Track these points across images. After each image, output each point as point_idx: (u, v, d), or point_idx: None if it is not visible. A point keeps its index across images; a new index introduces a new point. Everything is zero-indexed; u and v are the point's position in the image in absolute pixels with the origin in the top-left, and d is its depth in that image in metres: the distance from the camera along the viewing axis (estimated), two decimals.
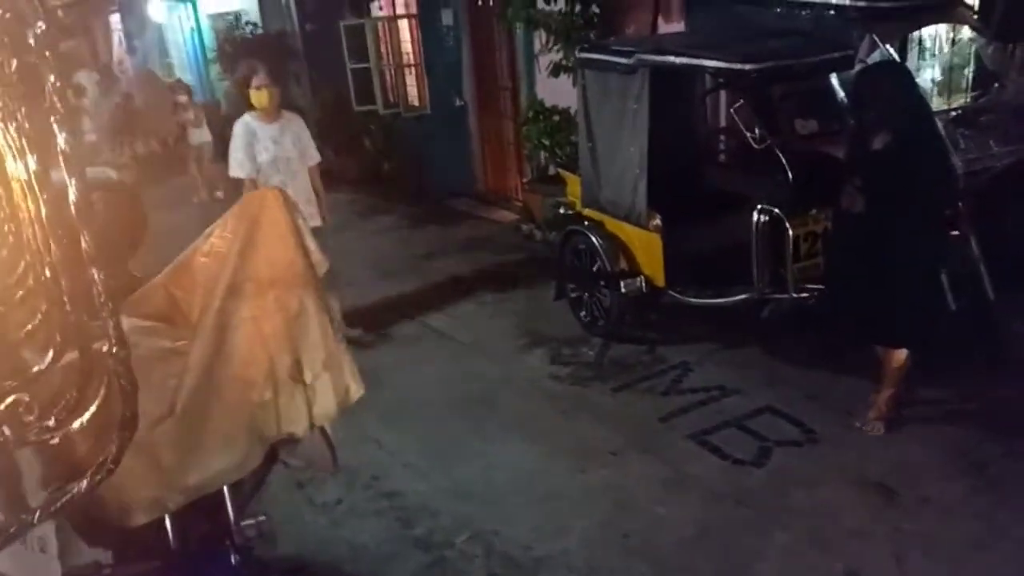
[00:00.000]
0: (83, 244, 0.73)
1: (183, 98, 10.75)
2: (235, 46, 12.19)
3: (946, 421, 3.91)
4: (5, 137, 1.00)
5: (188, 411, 2.13)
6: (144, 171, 11.91)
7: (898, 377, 3.81)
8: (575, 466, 3.89)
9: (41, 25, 0.69)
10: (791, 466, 3.73)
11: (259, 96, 5.14)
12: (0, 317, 1.24)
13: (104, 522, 2.09)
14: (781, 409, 4.17)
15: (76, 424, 0.84)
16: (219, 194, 10.20)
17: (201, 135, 10.59)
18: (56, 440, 0.85)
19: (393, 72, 9.90)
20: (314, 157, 5.41)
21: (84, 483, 0.83)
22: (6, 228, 1.50)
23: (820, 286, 4.12)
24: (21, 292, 1.26)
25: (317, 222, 5.28)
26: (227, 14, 13.05)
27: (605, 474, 3.81)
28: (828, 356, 4.47)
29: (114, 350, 0.81)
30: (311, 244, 2.57)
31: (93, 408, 0.83)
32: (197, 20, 15.04)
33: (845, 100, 4.03)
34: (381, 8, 9.97)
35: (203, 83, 15.34)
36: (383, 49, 9.76)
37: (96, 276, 0.74)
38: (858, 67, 3.97)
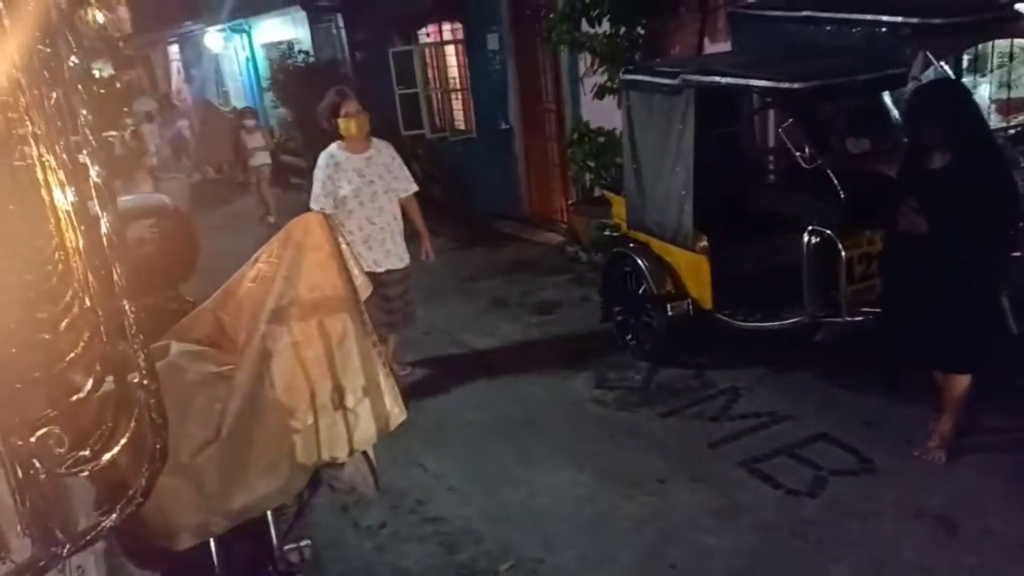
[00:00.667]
0: (115, 276, 0.74)
1: (250, 122, 11.10)
2: (288, 74, 12.54)
3: (1009, 449, 3.73)
4: (46, 169, 1.03)
5: (232, 436, 2.15)
6: (201, 195, 12.32)
7: (959, 404, 3.66)
8: (622, 493, 3.81)
9: (74, 60, 0.70)
10: (847, 496, 3.59)
11: (347, 125, 4.76)
12: (46, 344, 1.27)
13: (152, 545, 2.12)
14: (836, 436, 4.03)
15: (107, 456, 0.84)
16: (270, 219, 10.44)
17: (263, 158, 10.90)
18: (86, 472, 0.85)
19: (440, 97, 10.04)
20: (408, 188, 4.99)
21: (114, 516, 0.83)
22: (56, 256, 1.54)
23: (876, 309, 3.99)
24: (67, 320, 1.29)
25: (401, 263, 4.95)
26: (280, 43, 13.45)
27: (652, 502, 3.72)
28: (885, 381, 4.32)
29: (145, 382, 0.81)
30: (354, 269, 2.59)
31: (124, 440, 0.83)
32: (252, 50, 15.52)
33: (898, 118, 3.92)
34: (428, 35, 10.14)
35: (257, 111, 15.79)
36: (430, 74, 9.93)
37: (127, 308, 0.74)
38: (912, 85, 3.86)
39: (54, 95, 0.80)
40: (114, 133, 13.18)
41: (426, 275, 7.68)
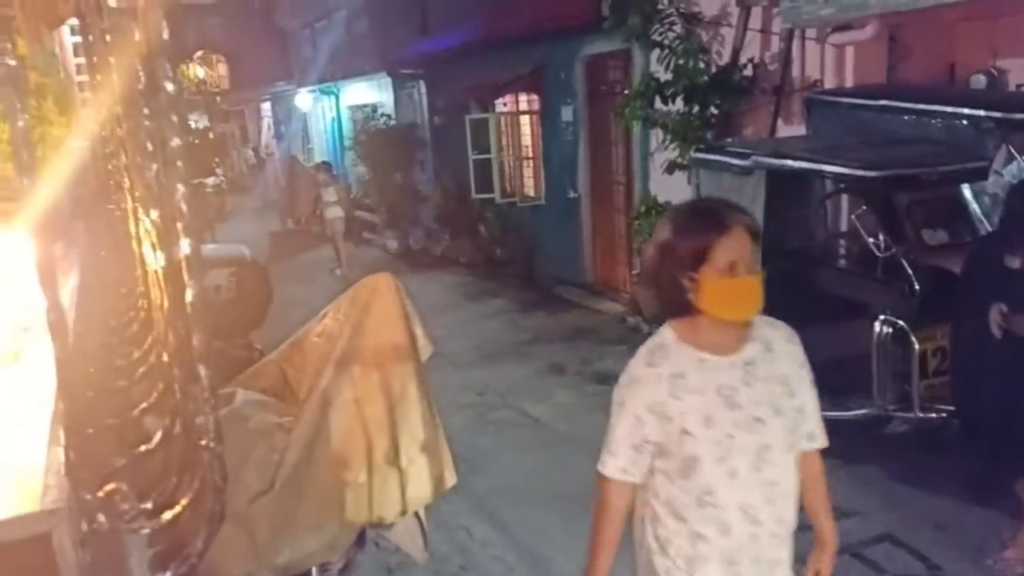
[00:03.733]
0: (194, 342, 0.79)
1: (323, 176, 11.50)
2: (369, 135, 13.07)
3: None
4: (140, 228, 1.11)
5: (286, 488, 2.19)
6: (281, 246, 12.82)
7: None
8: None
9: (177, 141, 0.77)
10: None
11: (734, 291, 1.87)
12: (122, 391, 1.35)
13: None
14: (903, 539, 3.82)
15: (168, 514, 0.88)
16: (338, 271, 10.75)
17: (336, 211, 11.18)
18: (147, 530, 0.89)
19: (512, 164, 10.28)
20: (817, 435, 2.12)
21: (168, 574, 0.86)
22: (140, 303, 1.63)
23: (949, 407, 3.82)
24: (143, 368, 1.37)
25: None
26: (366, 106, 14.06)
27: None
28: (958, 483, 4.09)
29: (211, 444, 0.85)
30: (419, 330, 2.65)
31: (185, 500, 0.87)
32: (338, 111, 16.27)
33: (978, 212, 3.83)
34: (505, 104, 10.45)
35: (339, 168, 16.46)
36: (504, 142, 10.19)
37: (202, 373, 0.79)
38: (993, 179, 3.77)
39: (154, 167, 0.87)
40: (210, 181, 13.96)
41: (486, 335, 7.78)
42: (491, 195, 9.96)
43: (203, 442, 0.84)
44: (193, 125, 22.74)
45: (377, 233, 13.51)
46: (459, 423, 5.65)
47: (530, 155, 10.05)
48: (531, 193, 10.02)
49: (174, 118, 0.78)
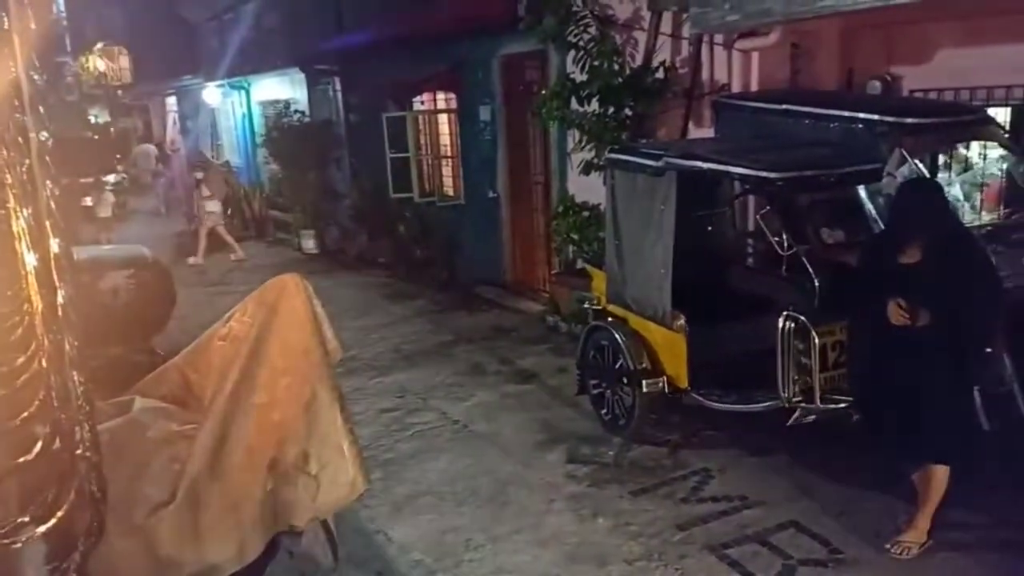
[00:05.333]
0: (67, 347, 0.74)
1: (199, 173, 12.15)
2: (282, 132, 12.72)
3: (979, 546, 3.69)
4: (17, 227, 1.03)
5: (189, 499, 2.10)
6: (187, 247, 12.34)
7: (935, 498, 3.64)
8: (589, 573, 3.73)
9: (44, 135, 0.71)
10: None
11: None
12: (3, 400, 1.25)
13: None
14: (806, 525, 3.98)
15: (44, 528, 0.82)
16: (192, 260, 11.45)
17: (212, 205, 11.95)
18: (19, 545, 0.83)
19: (430, 163, 10.20)
20: None
21: None
22: (24, 307, 1.53)
23: (850, 397, 4.00)
24: (25, 376, 1.28)
25: None
26: (278, 102, 13.68)
27: None
28: (857, 470, 4.30)
29: (87, 454, 0.80)
30: (328, 332, 2.58)
31: (61, 512, 0.81)
32: (249, 107, 15.76)
33: (873, 212, 4.03)
34: (423, 102, 10.36)
35: (250, 165, 15.95)
36: (422, 140, 10.10)
37: (76, 379, 0.74)
38: (886, 180, 3.97)
39: (26, 162, 0.81)
40: (111, 179, 13.43)
41: (405, 337, 7.69)
42: (410, 195, 9.86)
43: (79, 451, 0.78)
44: (93, 120, 21.62)
45: (291, 233, 13.18)
46: (379, 427, 5.57)
47: (449, 154, 9.99)
48: (450, 193, 9.97)
49: (41, 110, 0.72)
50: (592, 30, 6.48)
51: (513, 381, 6.32)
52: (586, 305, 5.74)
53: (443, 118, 10.03)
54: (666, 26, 6.26)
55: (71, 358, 0.72)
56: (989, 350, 3.67)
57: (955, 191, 4.66)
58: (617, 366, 5.04)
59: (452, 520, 4.29)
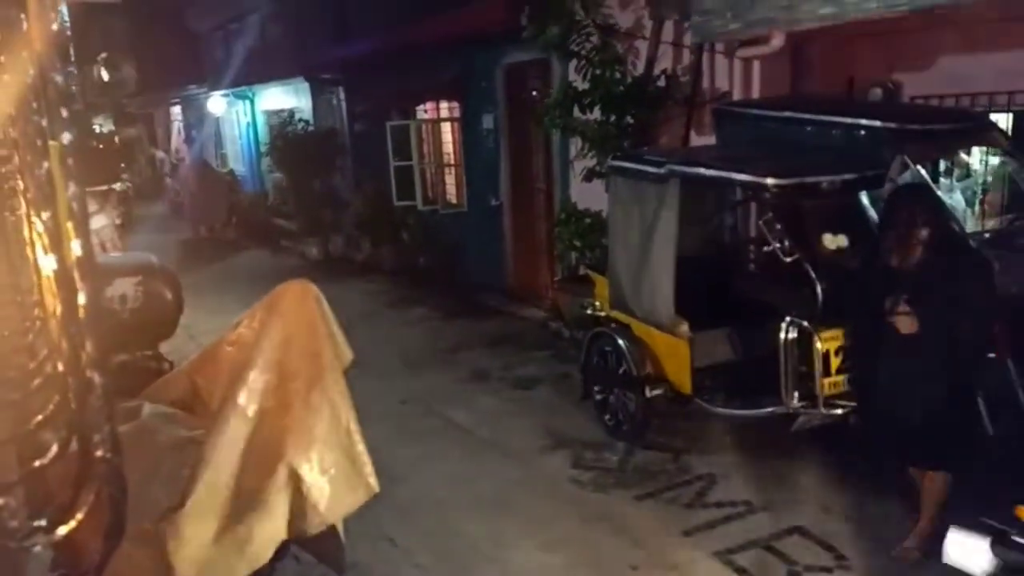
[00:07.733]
0: (87, 348, 0.75)
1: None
2: (286, 141, 12.79)
3: None
4: (33, 232, 1.05)
5: (198, 504, 2.11)
6: (193, 255, 12.38)
7: (938, 504, 3.64)
8: None
9: (68, 136, 0.73)
10: None
11: None
12: (16, 405, 1.27)
13: None
14: (811, 531, 3.99)
15: (64, 530, 0.83)
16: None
17: (99, 220, 11.10)
18: (39, 548, 0.84)
19: (433, 171, 10.25)
20: None
21: None
22: (35, 312, 1.55)
23: (852, 403, 4.01)
24: (39, 380, 1.29)
25: None
26: (282, 111, 13.75)
27: None
28: (861, 475, 4.30)
29: (108, 456, 0.82)
30: (339, 337, 2.60)
31: (80, 515, 0.82)
32: (254, 116, 15.84)
33: (875, 218, 4.04)
34: (426, 111, 10.41)
35: (254, 174, 16.02)
36: (425, 149, 10.16)
37: (96, 380, 0.76)
38: (888, 186, 3.99)
39: (45, 164, 0.83)
40: (116, 187, 13.49)
41: (408, 343, 7.70)
42: (413, 202, 9.90)
43: (99, 453, 0.80)
44: (98, 129, 21.71)
45: (295, 240, 13.23)
46: (382, 432, 5.57)
47: (452, 162, 10.04)
48: (453, 200, 10.01)
49: (64, 113, 0.74)
50: (594, 39, 6.51)
51: (517, 387, 6.34)
52: (589, 311, 5.75)
53: (446, 127, 10.08)
54: (667, 35, 6.30)
55: (92, 359, 0.74)
56: (992, 355, 3.68)
57: (958, 197, 4.69)
58: (620, 372, 5.05)
59: (457, 525, 4.29)
